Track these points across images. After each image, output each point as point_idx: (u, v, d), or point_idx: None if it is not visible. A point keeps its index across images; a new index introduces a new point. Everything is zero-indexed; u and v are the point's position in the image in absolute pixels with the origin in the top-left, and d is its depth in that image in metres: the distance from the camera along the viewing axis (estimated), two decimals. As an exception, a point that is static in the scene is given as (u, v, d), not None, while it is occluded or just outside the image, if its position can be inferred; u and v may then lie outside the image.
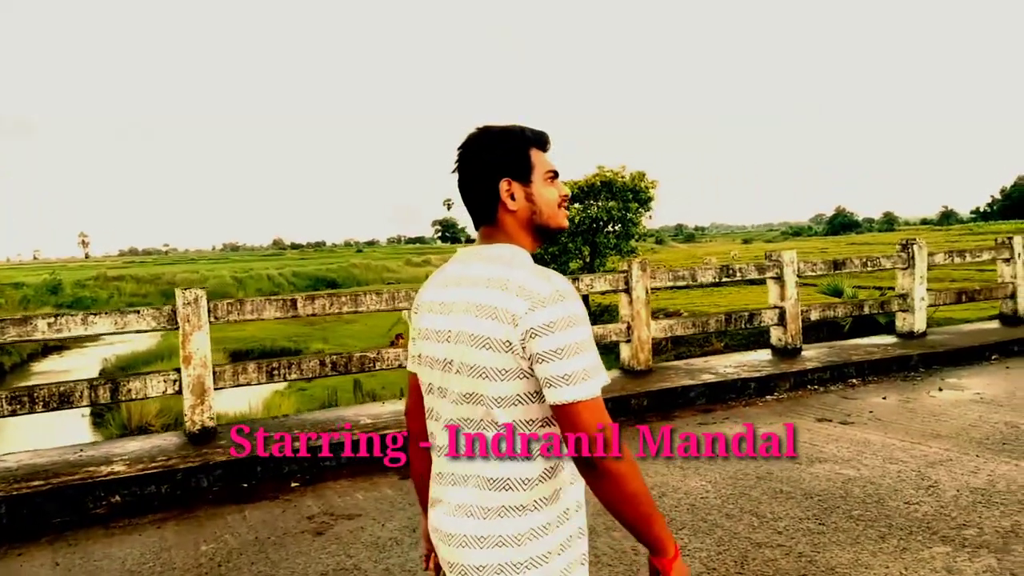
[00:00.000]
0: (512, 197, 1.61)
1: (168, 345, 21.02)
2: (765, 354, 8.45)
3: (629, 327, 7.55)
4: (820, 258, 9.05)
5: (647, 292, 7.62)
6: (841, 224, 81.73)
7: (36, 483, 4.78)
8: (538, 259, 23.78)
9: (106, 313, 5.61)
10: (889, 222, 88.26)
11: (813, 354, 8.25)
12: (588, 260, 25.32)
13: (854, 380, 7.55)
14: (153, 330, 5.80)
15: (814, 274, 8.78)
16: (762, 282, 9.46)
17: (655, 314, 18.33)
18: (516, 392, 1.51)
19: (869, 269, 9.13)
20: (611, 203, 31.22)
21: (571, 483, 1.60)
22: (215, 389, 5.85)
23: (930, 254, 9.30)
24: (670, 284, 8.01)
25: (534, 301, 1.47)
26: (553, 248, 25.45)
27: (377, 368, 6.48)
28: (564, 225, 1.64)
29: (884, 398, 6.77)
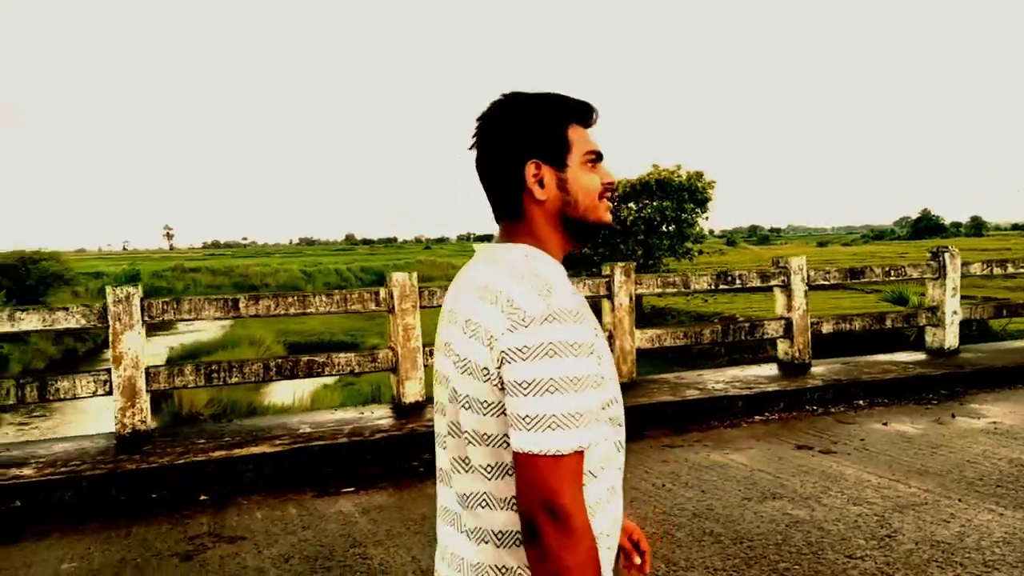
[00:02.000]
0: (540, 184, 1.28)
1: (246, 334, 21.06)
2: (770, 369, 7.78)
3: (611, 336, 7.01)
4: (835, 266, 8.26)
5: (631, 299, 7.06)
6: (926, 228, 77.57)
7: (-66, 486, 4.62)
8: (587, 260, 23.12)
9: (34, 310, 5.45)
10: (977, 226, 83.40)
11: (822, 370, 7.53)
12: (642, 262, 24.59)
13: (860, 402, 6.82)
14: (83, 328, 5.63)
15: (827, 282, 8.03)
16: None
17: (687, 316, 17.57)
18: (500, 432, 1.18)
19: (892, 278, 8.33)
20: (665, 203, 30.35)
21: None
22: (148, 391, 5.63)
23: (965, 263, 8.41)
24: (658, 291, 7.43)
25: (516, 320, 1.14)
26: (603, 249, 24.76)
27: (327, 373, 6.16)
28: (605, 220, 1.31)
29: (885, 424, 6.06)
